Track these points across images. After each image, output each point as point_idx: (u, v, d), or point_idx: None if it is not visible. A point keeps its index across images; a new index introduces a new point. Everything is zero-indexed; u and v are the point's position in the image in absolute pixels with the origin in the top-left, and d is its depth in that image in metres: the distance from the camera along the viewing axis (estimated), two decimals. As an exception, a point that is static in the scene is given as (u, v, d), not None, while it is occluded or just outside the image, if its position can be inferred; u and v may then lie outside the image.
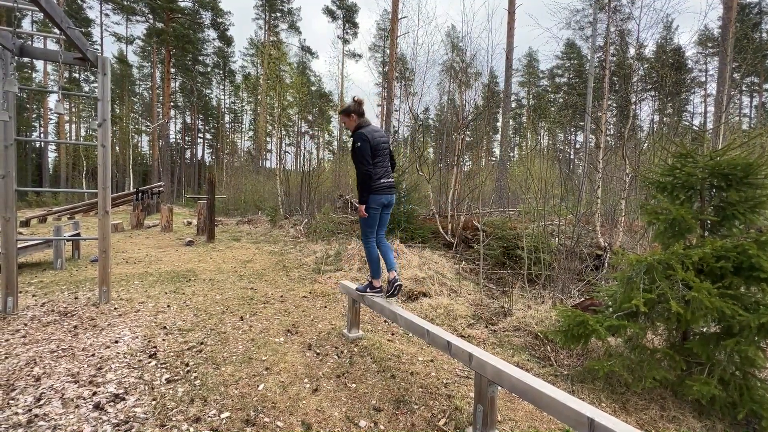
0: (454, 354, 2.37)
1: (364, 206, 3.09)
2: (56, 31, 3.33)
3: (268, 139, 34.08)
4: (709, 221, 2.81)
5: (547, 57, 47.38)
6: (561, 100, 34.98)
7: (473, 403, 2.22)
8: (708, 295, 2.36)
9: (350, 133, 3.20)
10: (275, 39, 34.72)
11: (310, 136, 40.02)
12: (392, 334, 3.83)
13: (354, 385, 2.72)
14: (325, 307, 4.57)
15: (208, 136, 45.02)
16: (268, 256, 7.72)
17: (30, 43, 4.57)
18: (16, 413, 2.22)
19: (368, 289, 3.35)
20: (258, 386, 2.65)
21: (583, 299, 4.24)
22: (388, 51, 35.98)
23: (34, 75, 32.45)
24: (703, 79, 34.51)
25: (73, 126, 37.02)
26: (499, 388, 2.17)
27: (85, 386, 2.54)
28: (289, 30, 37.04)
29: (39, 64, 33.59)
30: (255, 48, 36.99)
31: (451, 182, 9.28)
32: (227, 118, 44.53)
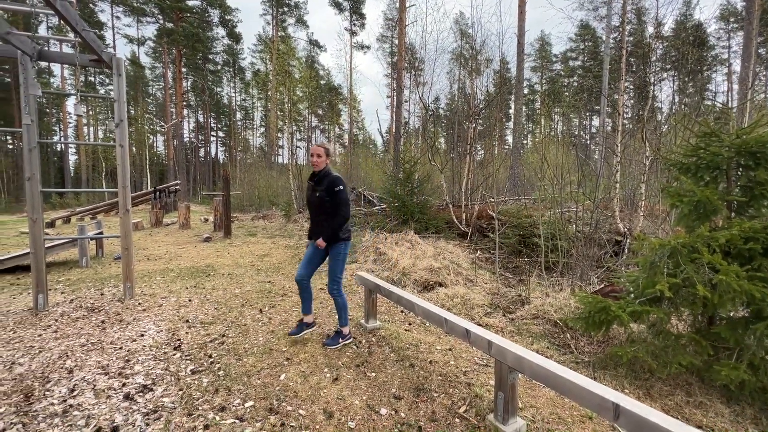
0: (473, 342, 2.36)
1: (341, 244, 3.11)
2: (71, 35, 3.40)
3: (279, 134, 34.29)
4: (735, 202, 2.70)
5: (560, 40, 46.10)
6: (575, 84, 34.08)
7: (494, 391, 2.21)
8: (736, 278, 2.28)
9: (315, 174, 3.12)
10: (283, 34, 34.73)
11: (321, 131, 40.13)
12: (409, 324, 3.84)
13: (373, 374, 2.75)
14: (342, 298, 4.60)
15: (220, 134, 45.58)
16: (284, 250, 7.81)
17: (47, 48, 4.68)
18: (52, 404, 2.32)
19: (340, 339, 3.21)
20: (279, 376, 2.70)
21: (603, 285, 4.16)
22: (395, 41, 35.57)
23: (51, 80, 33.33)
24: (726, 55, 33.06)
25: (91, 128, 37.95)
26: (520, 375, 2.16)
27: (114, 378, 2.64)
28: (297, 24, 36.96)
29: (56, 69, 34.47)
30: (263, 44, 37.08)
31: (464, 171, 9.18)
32: (238, 115, 44.95)
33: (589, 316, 2.88)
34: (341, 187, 3.00)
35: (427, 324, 3.86)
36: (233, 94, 44.12)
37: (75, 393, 2.44)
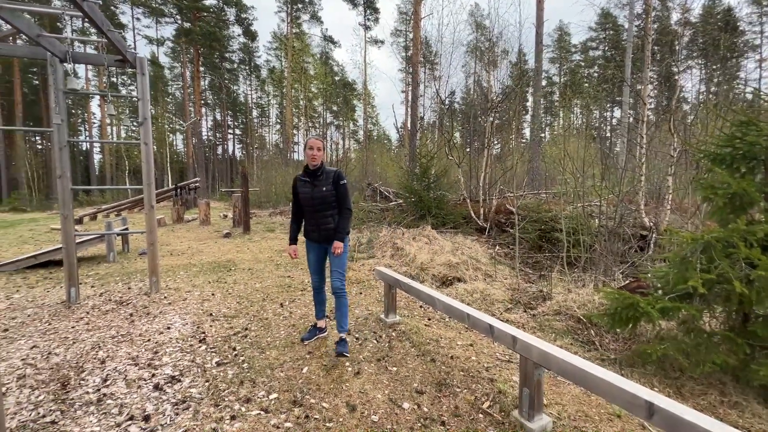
0: (496, 337, 2.33)
1: (347, 238, 3.01)
2: (94, 38, 3.48)
3: (294, 131, 34.58)
4: (775, 194, 2.57)
5: (580, 29, 44.78)
6: (596, 74, 33.10)
7: (518, 387, 2.18)
8: (776, 274, 2.17)
9: (311, 170, 2.88)
10: (297, 31, 34.88)
11: (336, 127, 40.26)
12: (429, 319, 3.83)
13: (395, 369, 2.75)
14: (361, 293, 4.63)
15: (237, 131, 46.27)
16: (302, 245, 7.88)
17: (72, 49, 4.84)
18: (87, 392, 2.42)
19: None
20: (302, 369, 2.73)
21: (628, 281, 4.05)
22: (410, 35, 35.23)
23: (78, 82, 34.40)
24: (759, 41, 31.45)
25: (114, 128, 39.11)
26: (545, 371, 2.12)
27: (144, 368, 2.72)
28: (311, 20, 37.02)
29: (80, 71, 35.60)
30: (278, 41, 37.33)
31: (482, 165, 9.06)
32: (255, 113, 45.50)
33: (616, 312, 2.81)
34: (345, 180, 2.93)
35: (447, 319, 3.84)
36: (249, 92, 44.65)
37: (108, 382, 2.54)
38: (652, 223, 5.85)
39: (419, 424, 2.13)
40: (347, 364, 2.82)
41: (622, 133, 13.59)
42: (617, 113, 33.03)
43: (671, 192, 5.67)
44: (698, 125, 6.91)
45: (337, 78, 36.29)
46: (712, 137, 3.26)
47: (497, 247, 6.70)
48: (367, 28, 36.49)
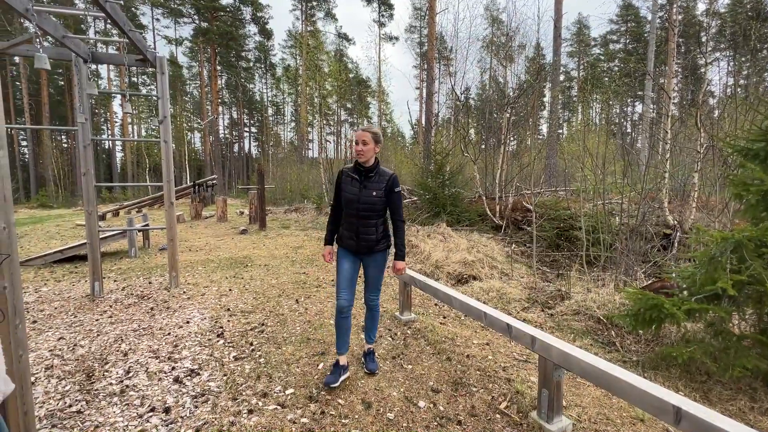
0: (514, 337, 2.29)
1: (388, 251, 2.58)
2: (116, 38, 3.56)
3: (309, 129, 34.80)
4: (812, 191, 2.44)
5: (600, 22, 43.58)
6: (616, 68, 32.18)
7: (537, 388, 2.14)
8: (814, 275, 2.06)
9: (363, 168, 2.43)
10: (312, 29, 35.02)
11: (350, 124, 40.35)
12: (444, 317, 3.80)
13: (410, 367, 2.74)
14: (375, 290, 4.62)
15: (253, 129, 46.88)
16: (317, 243, 7.95)
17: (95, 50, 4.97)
18: (111, 383, 2.49)
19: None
20: (318, 365, 2.75)
21: (651, 281, 3.92)
22: (424, 31, 34.94)
23: (99, 81, 35.46)
24: (791, 31, 29.96)
25: (135, 127, 40.14)
26: (565, 372, 2.07)
27: (164, 362, 2.79)
28: (326, 18, 37.12)
29: (102, 71, 36.63)
30: (293, 39, 37.58)
31: (498, 162, 8.93)
32: (270, 110, 46.00)
33: (639, 313, 2.72)
34: (400, 188, 2.48)
35: (463, 317, 3.80)
36: (265, 90, 45.14)
37: (130, 374, 2.60)
38: (676, 222, 5.66)
39: (435, 423, 2.11)
40: (362, 361, 2.81)
41: (644, 129, 13.18)
42: (638, 108, 32.09)
43: (697, 189, 5.47)
44: (726, 120, 6.63)
45: (351, 75, 36.33)
46: (742, 132, 3.11)
47: (513, 245, 6.60)
48: (381, 24, 36.38)
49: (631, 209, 5.40)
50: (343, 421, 2.12)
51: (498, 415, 2.19)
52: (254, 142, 48.19)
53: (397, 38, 37.14)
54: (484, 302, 4.15)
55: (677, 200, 6.32)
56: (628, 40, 34.88)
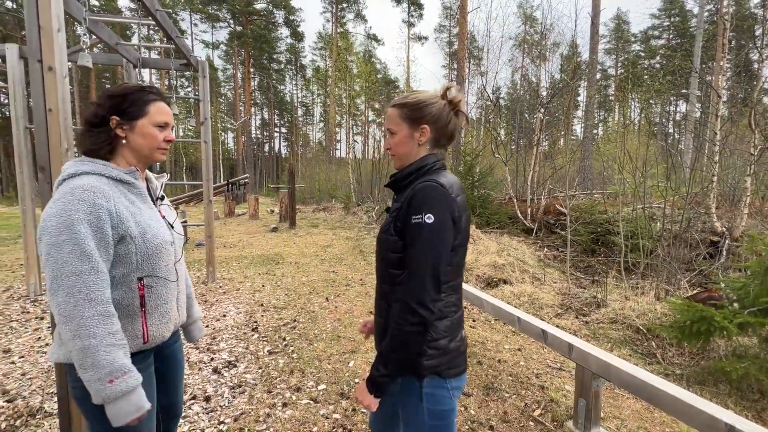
0: (550, 343, 2.24)
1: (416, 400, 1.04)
2: (158, 44, 3.76)
3: (337, 129, 35.27)
4: None
5: (641, 17, 41.50)
6: (659, 65, 30.56)
7: (573, 397, 2.08)
8: None
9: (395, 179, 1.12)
10: (342, 30, 35.48)
11: (378, 125, 40.51)
12: (473, 321, 3.76)
13: (440, 369, 2.73)
14: (404, 291, 4.64)
15: (283, 129, 48.07)
16: (345, 242, 8.06)
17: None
18: (156, 371, 2.63)
19: None
20: (348, 363, 2.79)
21: (697, 291, 3.71)
22: (454, 31, 34.56)
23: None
24: None
25: (173, 128, 42.12)
26: (604, 382, 2.00)
27: (204, 353, 2.92)
28: (356, 19, 37.53)
29: (146, 74, 38.68)
30: (323, 41, 38.22)
31: (530, 164, 8.71)
32: (299, 111, 46.99)
33: (685, 324, 2.59)
34: (423, 218, 0.93)
35: (493, 321, 3.75)
36: (295, 91, 46.18)
37: (173, 363, 2.75)
38: (724, 228, 5.31)
39: (466, 427, 2.09)
40: (392, 360, 2.83)
41: (688, 129, 12.45)
42: (682, 107, 30.34)
43: (749, 194, 5.11)
44: (783, 120, 6.15)
45: (379, 76, 36.51)
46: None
47: (546, 249, 6.42)
48: (410, 24, 36.34)
49: (674, 214, 5.12)
50: (374, 419, 2.15)
51: (531, 423, 2.14)
52: (284, 142, 49.40)
53: (426, 38, 36.99)
54: (515, 307, 4.07)
55: (726, 205, 5.93)
56: (671, 35, 33.05)
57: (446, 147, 1.13)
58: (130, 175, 1.07)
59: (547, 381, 2.60)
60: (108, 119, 1.06)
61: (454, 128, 1.08)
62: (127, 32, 30.63)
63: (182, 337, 1.41)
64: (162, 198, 1.23)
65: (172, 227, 1.19)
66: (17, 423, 2.04)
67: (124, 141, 1.08)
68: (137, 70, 4.35)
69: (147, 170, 1.23)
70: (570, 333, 3.45)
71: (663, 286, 4.26)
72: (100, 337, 0.91)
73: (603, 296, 4.16)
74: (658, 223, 5.41)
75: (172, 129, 1.20)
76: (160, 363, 1.23)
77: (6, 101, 28.89)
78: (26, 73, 4.08)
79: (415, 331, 0.94)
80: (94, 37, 3.49)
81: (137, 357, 1.05)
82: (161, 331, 1.11)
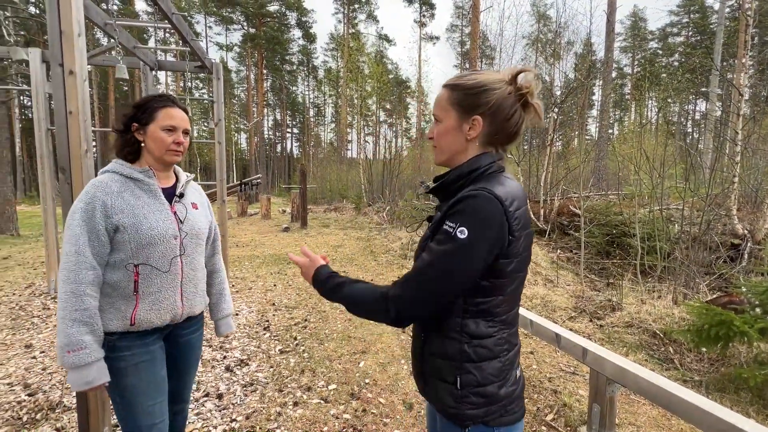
0: (563, 347, 2.20)
1: None
2: (173, 47, 3.83)
3: (348, 129, 35.41)
4: None
5: (659, 14, 40.57)
6: (677, 63, 29.83)
7: (587, 402, 2.04)
8: None
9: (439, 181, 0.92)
10: (354, 31, 35.61)
11: (389, 125, 40.55)
12: (485, 323, 3.73)
13: (451, 371, 2.72)
14: (414, 292, 4.62)
15: (295, 130, 48.49)
16: (356, 242, 8.08)
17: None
18: (170, 368, 2.68)
19: None
20: (359, 363, 2.80)
21: (717, 295, 3.61)
22: (466, 30, 34.35)
23: (158, 87, 38.26)
24: None
25: (188, 128, 42.88)
26: (619, 387, 1.96)
27: (217, 351, 2.96)
28: (367, 20, 37.61)
29: (161, 76, 39.50)
30: (335, 42, 38.41)
31: (543, 164, 8.59)
32: (311, 112, 47.34)
33: (703, 329, 2.52)
34: (456, 229, 0.76)
35: (505, 324, 3.70)
36: (307, 92, 46.54)
37: (187, 360, 2.79)
38: (746, 231, 5.15)
39: (478, 430, 2.08)
40: (403, 361, 2.83)
41: (708, 129, 12.11)
42: (701, 106, 29.55)
43: (772, 195, 4.94)
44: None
45: (390, 76, 36.53)
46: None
47: (559, 251, 6.32)
48: (422, 24, 36.25)
49: (693, 216, 4.99)
50: (384, 420, 2.15)
51: (544, 427, 2.11)
52: (296, 142, 49.83)
53: (438, 38, 36.86)
54: (528, 309, 4.02)
55: (748, 207, 5.75)
56: (690, 32, 32.22)
57: (504, 147, 0.91)
58: (143, 174, 1.20)
59: (560, 385, 2.56)
60: (130, 126, 1.22)
61: (518, 125, 0.86)
62: (144, 35, 31.33)
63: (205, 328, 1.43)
64: (181, 195, 1.30)
65: (182, 223, 1.25)
66: (38, 416, 2.10)
67: (143, 144, 1.22)
68: (154, 72, 4.44)
69: (180, 170, 1.39)
70: (584, 337, 3.39)
71: (681, 289, 4.16)
72: (67, 312, 1.03)
73: (618, 299, 4.08)
74: (676, 225, 5.28)
75: (186, 133, 1.27)
76: (175, 349, 1.34)
77: (29, 104, 29.87)
78: (48, 76, 4.21)
79: (371, 314, 0.86)
80: (112, 40, 3.58)
81: (128, 337, 1.16)
82: (150, 317, 1.18)
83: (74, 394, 2.12)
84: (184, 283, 1.27)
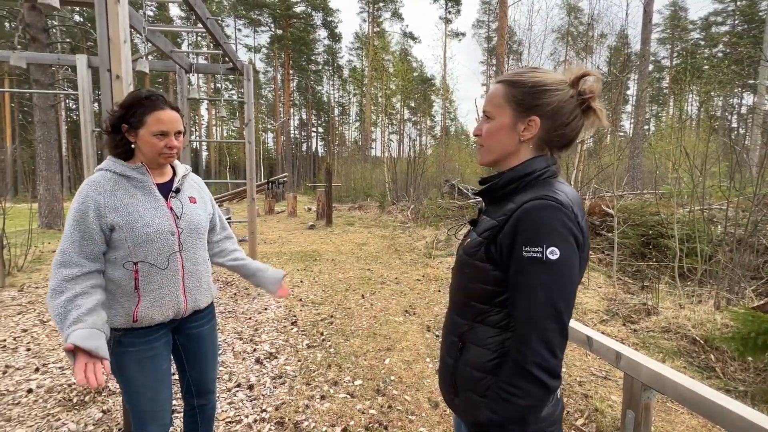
0: (595, 351, 2.13)
1: None
2: (205, 50, 3.97)
3: (373, 128, 35.54)
4: None
5: (701, 3, 38.26)
6: (720, 54, 28.05)
7: (621, 408, 1.97)
8: None
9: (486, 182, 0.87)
10: (378, 29, 35.67)
11: (413, 123, 40.37)
12: (512, 324, 3.66)
13: (477, 371, 2.69)
14: (439, 291, 4.60)
15: (320, 129, 49.17)
16: (380, 240, 8.12)
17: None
18: (204, 358, 2.80)
19: None
20: (384, 360, 2.82)
21: (765, 301, 3.38)
22: (493, 26, 33.65)
23: (191, 87, 39.76)
24: None
25: (217, 129, 44.36)
26: (657, 394, 1.88)
27: (247, 343, 3.07)
28: (392, 18, 37.59)
29: (193, 78, 41.03)
30: (360, 41, 38.61)
31: (574, 162, 8.32)
32: (336, 111, 47.84)
33: (749, 336, 2.37)
34: (545, 252, 0.69)
35: (532, 325, 3.63)
36: (332, 92, 47.07)
37: (219, 352, 2.90)
38: (798, 233, 4.78)
39: None
40: (428, 360, 2.83)
41: (756, 123, 11.34)
42: (747, 100, 27.65)
43: (830, 195, 4.56)
44: None
45: (415, 74, 36.35)
46: None
47: (590, 252, 6.11)
48: (447, 21, 35.83)
49: (738, 217, 4.70)
50: (410, 417, 2.16)
51: (574, 431, 2.06)
52: (321, 141, 50.52)
53: (464, 34, 36.32)
54: (556, 311, 3.93)
55: (801, 208, 5.33)
56: (737, 21, 30.20)
57: (558, 153, 0.86)
58: (136, 171, 1.18)
59: (591, 390, 2.49)
60: (120, 127, 1.18)
61: (576, 131, 0.82)
62: (177, 39, 32.60)
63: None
64: (177, 191, 1.28)
65: (179, 218, 1.24)
66: (86, 399, 2.25)
67: (135, 145, 1.20)
68: (189, 75, 4.63)
69: (177, 164, 1.34)
70: (617, 341, 3.27)
71: (724, 294, 3.92)
72: (52, 307, 1.05)
73: (654, 303, 3.90)
74: (719, 226, 4.98)
75: (182, 134, 1.25)
76: (187, 341, 1.37)
77: (74, 106, 31.74)
78: (93, 81, 4.48)
79: (532, 405, 0.71)
80: (150, 45, 3.76)
81: (132, 333, 1.20)
82: (152, 314, 1.19)
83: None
84: (186, 279, 1.27)
